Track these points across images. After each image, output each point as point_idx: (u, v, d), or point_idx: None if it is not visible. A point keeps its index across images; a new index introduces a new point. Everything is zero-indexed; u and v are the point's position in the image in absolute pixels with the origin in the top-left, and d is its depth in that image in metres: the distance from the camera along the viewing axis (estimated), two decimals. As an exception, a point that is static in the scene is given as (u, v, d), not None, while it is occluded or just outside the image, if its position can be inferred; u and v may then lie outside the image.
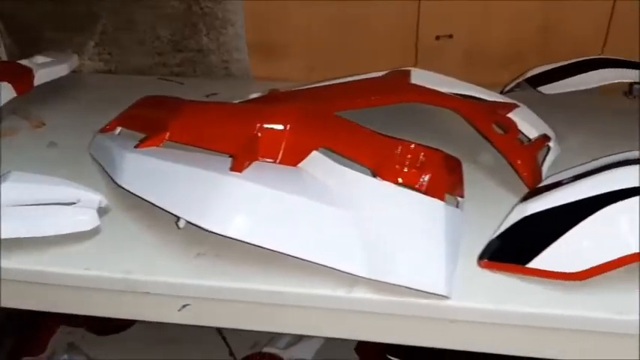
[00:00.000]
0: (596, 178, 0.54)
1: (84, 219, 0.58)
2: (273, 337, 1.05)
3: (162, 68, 1.00)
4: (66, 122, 0.82)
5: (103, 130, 0.73)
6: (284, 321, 0.56)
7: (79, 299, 0.58)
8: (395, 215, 0.54)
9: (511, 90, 0.85)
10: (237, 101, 0.75)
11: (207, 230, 0.53)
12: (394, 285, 0.51)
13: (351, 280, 0.52)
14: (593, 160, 0.61)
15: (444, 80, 0.75)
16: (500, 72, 0.90)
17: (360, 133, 0.60)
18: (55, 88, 0.88)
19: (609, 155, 0.60)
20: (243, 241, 0.52)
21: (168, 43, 0.97)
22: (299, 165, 0.59)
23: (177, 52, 0.98)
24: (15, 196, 0.57)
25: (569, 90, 0.79)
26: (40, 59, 0.89)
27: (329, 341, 1.03)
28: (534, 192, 0.58)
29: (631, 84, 0.82)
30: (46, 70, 0.87)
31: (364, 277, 0.51)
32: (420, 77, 0.74)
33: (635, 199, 0.50)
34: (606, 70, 0.78)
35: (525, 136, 0.68)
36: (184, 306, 0.56)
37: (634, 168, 0.53)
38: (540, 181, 0.63)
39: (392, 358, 0.96)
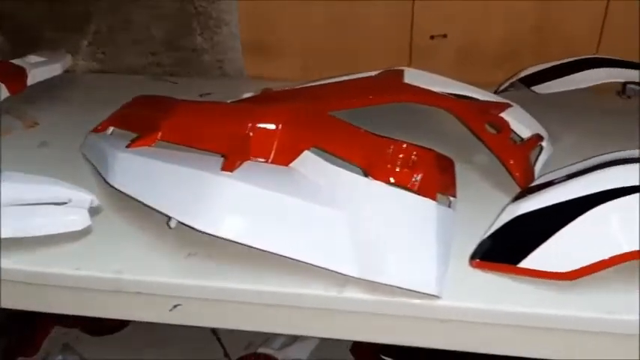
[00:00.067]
0: (587, 178, 0.54)
1: (75, 219, 0.57)
2: (267, 337, 1.05)
3: (156, 68, 1.00)
4: (59, 122, 0.82)
5: (95, 130, 0.73)
6: (275, 321, 0.56)
7: (70, 299, 0.57)
8: (386, 215, 0.54)
9: (505, 90, 0.85)
10: (230, 101, 0.75)
11: (198, 230, 0.53)
12: (385, 285, 0.50)
13: (343, 280, 0.52)
14: (586, 159, 0.61)
15: (437, 80, 0.75)
16: (494, 72, 0.90)
17: (352, 133, 0.60)
18: (48, 87, 0.88)
19: (602, 154, 0.60)
20: (235, 241, 0.52)
21: (163, 42, 0.97)
22: (291, 165, 0.59)
23: (172, 52, 0.98)
24: (6, 196, 0.57)
25: (562, 89, 0.79)
26: (33, 59, 0.89)
27: (324, 342, 1.03)
28: (526, 192, 0.58)
29: (624, 84, 0.82)
30: (39, 69, 0.87)
31: (355, 277, 0.51)
32: (414, 77, 0.74)
33: (625, 199, 0.50)
34: (600, 69, 0.79)
35: (518, 135, 0.68)
36: (175, 306, 0.55)
37: (624, 167, 0.53)
38: (532, 180, 0.63)
39: (385, 358, 0.96)
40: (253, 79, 0.97)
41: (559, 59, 0.84)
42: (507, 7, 0.88)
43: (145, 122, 0.66)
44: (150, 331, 1.07)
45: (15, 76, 0.83)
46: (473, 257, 0.54)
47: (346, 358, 1.02)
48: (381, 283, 0.51)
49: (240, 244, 0.52)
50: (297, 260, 0.52)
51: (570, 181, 0.55)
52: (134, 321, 0.99)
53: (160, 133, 0.63)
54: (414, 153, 0.57)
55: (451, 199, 0.60)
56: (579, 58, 0.82)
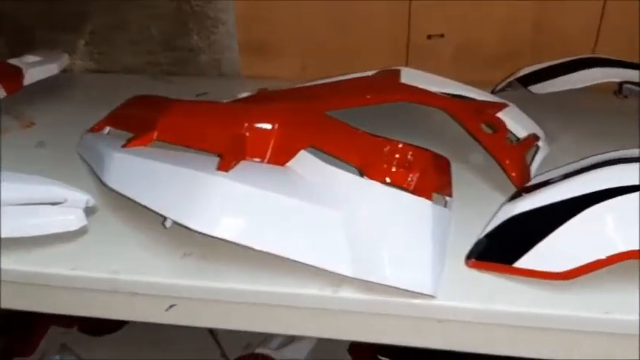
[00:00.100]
0: (583, 178, 0.54)
1: (71, 219, 0.57)
2: (265, 337, 1.04)
3: (153, 67, 0.99)
4: (56, 122, 0.82)
5: (91, 130, 0.73)
6: (271, 321, 0.56)
7: (65, 299, 0.57)
8: (382, 214, 0.54)
9: (502, 89, 0.85)
10: (226, 100, 0.75)
11: (193, 230, 0.53)
12: (380, 285, 0.50)
13: (338, 279, 0.52)
14: (582, 159, 0.61)
15: (434, 79, 0.75)
16: (491, 71, 0.90)
17: (348, 133, 0.60)
18: (45, 87, 0.87)
19: (598, 154, 0.60)
20: (230, 242, 0.52)
21: (159, 42, 0.97)
22: (287, 164, 0.59)
23: (168, 52, 0.98)
24: (1, 196, 0.57)
25: (559, 89, 0.79)
26: (29, 58, 0.88)
27: (321, 342, 1.03)
28: (522, 191, 0.58)
29: (621, 83, 0.82)
30: (36, 69, 0.86)
31: (350, 277, 0.51)
32: (410, 76, 0.74)
33: (620, 198, 0.50)
34: (596, 69, 0.78)
35: (514, 135, 0.68)
36: (171, 306, 0.55)
37: (620, 167, 0.53)
38: (529, 180, 0.63)
39: (382, 358, 0.96)
40: (250, 78, 0.97)
41: (556, 59, 0.84)
42: (504, 7, 0.88)
43: (141, 122, 0.66)
44: (147, 331, 1.07)
45: (11, 76, 0.83)
46: (469, 257, 0.54)
47: (344, 359, 1.02)
48: (377, 283, 0.51)
49: (235, 244, 0.52)
50: (292, 260, 0.52)
51: (566, 180, 0.55)
52: (131, 321, 0.99)
53: (155, 133, 0.63)
54: (410, 153, 0.57)
55: (447, 198, 0.60)
56: (576, 57, 0.82)
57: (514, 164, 0.63)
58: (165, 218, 0.56)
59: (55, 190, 0.59)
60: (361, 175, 0.56)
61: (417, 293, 0.50)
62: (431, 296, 0.50)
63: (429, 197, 0.54)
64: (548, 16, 0.88)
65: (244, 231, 0.52)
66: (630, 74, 0.79)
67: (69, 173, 0.66)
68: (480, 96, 0.74)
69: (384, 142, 0.58)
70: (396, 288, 0.50)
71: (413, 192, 0.55)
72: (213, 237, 0.52)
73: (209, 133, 0.62)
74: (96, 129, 0.72)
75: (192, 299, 0.54)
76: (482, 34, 0.91)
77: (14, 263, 0.55)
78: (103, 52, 1.00)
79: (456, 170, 0.63)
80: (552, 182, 0.56)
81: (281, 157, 0.59)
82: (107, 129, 0.72)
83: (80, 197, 0.60)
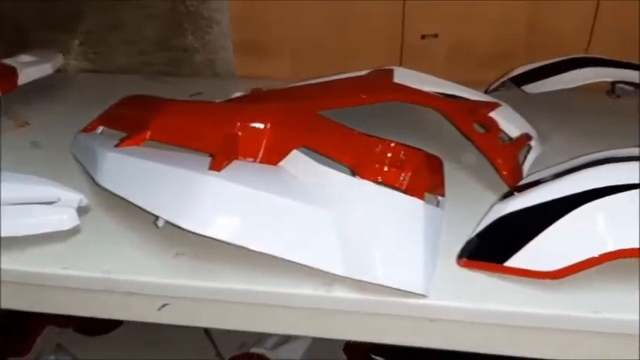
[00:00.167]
0: (574, 177, 0.54)
1: (63, 218, 0.57)
2: (260, 337, 1.04)
3: (147, 67, 0.99)
4: (50, 121, 0.82)
5: (84, 130, 0.73)
6: (264, 320, 0.56)
7: (57, 299, 0.57)
8: (374, 214, 0.54)
9: (496, 89, 0.85)
10: (219, 100, 0.75)
11: (185, 230, 0.53)
12: (373, 284, 0.51)
13: (330, 279, 0.52)
14: (573, 158, 0.61)
15: (427, 79, 0.75)
16: (485, 71, 0.91)
17: (340, 132, 0.60)
18: (39, 87, 0.87)
19: (590, 153, 0.60)
20: (222, 241, 0.52)
21: (154, 42, 0.97)
22: (279, 164, 0.59)
23: (163, 52, 0.98)
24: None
25: (552, 89, 0.79)
26: (24, 58, 0.88)
27: (317, 341, 1.03)
28: (514, 190, 0.59)
29: (613, 83, 0.82)
30: (30, 69, 0.86)
31: (343, 276, 0.51)
32: (403, 76, 0.74)
33: (610, 198, 0.50)
34: (589, 69, 0.79)
35: (507, 135, 0.68)
36: (164, 305, 0.55)
37: (610, 166, 0.53)
38: (521, 179, 0.63)
39: (376, 357, 0.96)
40: (244, 78, 0.97)
41: (550, 59, 0.84)
42: (498, 7, 0.88)
43: (135, 122, 0.66)
44: (143, 331, 1.07)
45: (6, 76, 0.82)
46: (460, 256, 0.54)
47: (339, 358, 1.02)
48: (369, 282, 0.51)
49: (227, 243, 0.52)
50: (285, 260, 0.52)
51: (557, 180, 0.55)
52: (127, 321, 0.99)
53: (148, 133, 0.63)
54: (402, 152, 0.57)
55: (439, 198, 0.60)
56: (569, 57, 0.82)
57: (506, 163, 0.63)
58: (157, 218, 0.56)
59: (48, 190, 0.59)
60: (353, 174, 0.57)
61: (409, 292, 0.50)
62: (422, 295, 0.50)
63: (421, 197, 0.55)
64: (542, 16, 0.89)
65: (237, 230, 0.53)
66: (623, 74, 0.79)
67: (62, 173, 0.66)
68: (473, 96, 0.74)
69: (376, 142, 0.58)
70: (388, 287, 0.50)
71: (405, 191, 0.55)
72: (205, 236, 0.52)
73: (202, 133, 0.62)
74: (89, 129, 0.72)
75: (184, 299, 0.54)
76: (476, 34, 0.91)
77: (4, 262, 0.55)
78: (98, 52, 1.00)
79: (449, 170, 0.64)
80: (543, 181, 0.56)
81: (273, 156, 0.60)
82: (100, 129, 0.72)
83: (73, 197, 0.60)
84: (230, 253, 0.53)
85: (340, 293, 0.51)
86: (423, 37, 0.92)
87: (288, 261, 0.52)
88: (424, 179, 0.57)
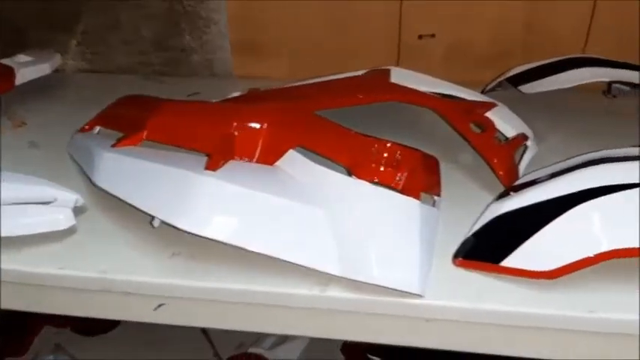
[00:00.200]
0: (569, 177, 0.54)
1: (59, 218, 0.57)
2: (258, 337, 1.04)
3: (145, 68, 0.99)
4: (48, 122, 0.82)
5: (81, 130, 0.73)
6: (259, 320, 0.56)
7: (53, 299, 0.57)
8: (370, 214, 0.54)
9: (492, 89, 0.85)
10: (216, 100, 0.75)
11: (181, 230, 0.53)
12: (368, 284, 0.51)
13: (326, 279, 0.52)
14: (569, 158, 0.61)
15: (423, 79, 0.75)
16: (482, 71, 0.90)
17: (337, 132, 0.60)
18: (37, 87, 0.87)
19: (586, 153, 0.60)
20: (218, 241, 0.52)
21: (152, 42, 0.97)
22: (275, 164, 0.59)
23: (161, 52, 0.98)
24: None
25: (549, 89, 0.79)
26: (21, 58, 0.88)
27: (314, 341, 1.03)
28: (510, 190, 0.59)
29: (609, 83, 0.82)
30: (28, 69, 0.86)
31: (338, 276, 0.51)
32: (400, 76, 0.74)
33: (606, 198, 0.50)
34: (585, 69, 0.79)
35: (503, 135, 0.68)
36: (160, 305, 0.55)
37: (606, 166, 0.53)
38: (517, 179, 0.63)
39: (373, 357, 0.96)
40: (242, 78, 0.97)
41: (547, 59, 0.84)
42: (495, 7, 0.88)
43: (131, 122, 0.66)
44: (141, 331, 1.07)
45: (3, 76, 0.82)
46: (456, 256, 0.54)
47: (337, 358, 1.02)
48: (365, 282, 0.51)
49: (223, 243, 0.52)
50: (280, 259, 0.52)
51: (553, 180, 0.55)
52: (125, 321, 0.99)
53: (145, 133, 0.63)
54: (399, 152, 0.57)
55: (435, 198, 0.60)
56: (565, 57, 0.82)
57: (502, 163, 0.63)
58: (152, 217, 0.56)
59: (44, 190, 0.59)
60: (349, 174, 0.57)
61: (405, 292, 0.50)
62: (418, 295, 0.50)
63: (417, 197, 0.55)
64: (538, 16, 0.89)
65: (232, 230, 0.53)
66: (619, 74, 0.79)
67: (59, 173, 0.66)
68: (470, 96, 0.74)
69: (372, 142, 0.58)
70: (384, 287, 0.50)
71: (401, 191, 0.55)
72: (201, 237, 0.52)
73: (198, 133, 0.62)
74: (86, 129, 0.73)
75: (180, 299, 0.54)
76: (473, 34, 0.91)
77: (2, 262, 0.55)
78: (95, 52, 1.00)
79: (446, 170, 0.64)
80: (539, 181, 0.56)
81: (270, 156, 0.60)
82: (97, 129, 0.72)
83: (69, 197, 0.60)
84: (226, 253, 0.53)
85: (336, 293, 0.51)
86: (420, 37, 0.92)
87: (284, 261, 0.52)
88: (420, 179, 0.57)
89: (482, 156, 0.65)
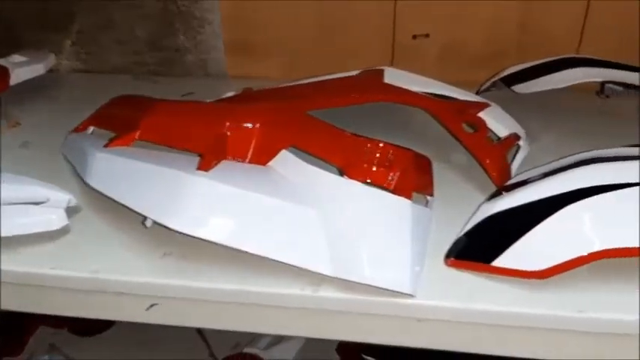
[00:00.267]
0: (561, 177, 0.54)
1: (52, 218, 0.58)
2: (254, 337, 1.04)
3: (139, 68, 0.99)
4: (42, 122, 0.82)
5: (75, 130, 0.73)
6: (252, 320, 0.56)
7: (46, 299, 0.57)
8: (362, 214, 0.54)
9: (487, 89, 0.85)
10: (209, 100, 0.75)
11: (173, 230, 0.53)
12: (360, 284, 0.51)
13: (318, 279, 0.52)
14: (561, 157, 0.61)
15: (417, 79, 0.75)
16: (477, 71, 0.90)
17: (329, 132, 0.60)
18: (31, 87, 0.87)
19: (578, 153, 0.61)
20: (210, 241, 0.52)
21: (146, 42, 0.97)
22: (268, 164, 0.59)
23: (155, 52, 0.98)
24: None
25: (542, 89, 0.80)
26: (16, 58, 0.88)
27: (310, 341, 1.03)
28: (502, 190, 0.59)
29: (602, 83, 0.82)
30: (22, 69, 0.86)
31: (330, 276, 0.51)
32: (393, 76, 0.74)
33: (597, 197, 0.50)
34: (579, 69, 0.79)
35: (495, 135, 0.69)
36: (152, 305, 0.55)
37: (597, 166, 0.53)
38: (509, 179, 0.63)
39: (367, 357, 0.96)
40: (236, 78, 0.97)
41: (541, 59, 0.84)
42: (490, 7, 0.88)
43: (125, 122, 0.66)
44: (136, 331, 1.06)
45: (-3, 76, 0.82)
46: (448, 256, 0.55)
47: (332, 358, 1.02)
48: (357, 282, 0.51)
49: (215, 243, 0.52)
50: (273, 260, 0.52)
51: (544, 179, 0.55)
52: (120, 321, 0.99)
53: (137, 133, 0.63)
54: (391, 152, 0.57)
55: (428, 198, 0.60)
56: (559, 57, 0.82)
57: (494, 163, 0.63)
58: (145, 218, 0.56)
59: (37, 190, 0.59)
60: (342, 174, 0.57)
61: (397, 292, 0.50)
62: (410, 295, 0.50)
63: (409, 196, 0.55)
64: (533, 17, 0.89)
65: (225, 231, 0.53)
66: (612, 74, 0.79)
67: (53, 174, 0.66)
68: (463, 96, 0.74)
69: (364, 142, 0.58)
70: (376, 287, 0.50)
71: (393, 191, 0.55)
72: (193, 237, 0.52)
73: (191, 133, 0.62)
74: (80, 129, 0.72)
75: (173, 299, 0.54)
76: (467, 34, 0.91)
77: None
78: (90, 52, 1.00)
79: (438, 170, 0.64)
80: (531, 181, 0.57)
81: (262, 156, 0.60)
82: (91, 129, 0.72)
83: (62, 197, 0.60)
84: (217, 253, 0.53)
85: (328, 293, 0.52)
86: (415, 37, 0.92)
87: (276, 261, 0.52)
88: (412, 179, 0.57)
89: (475, 156, 0.65)
